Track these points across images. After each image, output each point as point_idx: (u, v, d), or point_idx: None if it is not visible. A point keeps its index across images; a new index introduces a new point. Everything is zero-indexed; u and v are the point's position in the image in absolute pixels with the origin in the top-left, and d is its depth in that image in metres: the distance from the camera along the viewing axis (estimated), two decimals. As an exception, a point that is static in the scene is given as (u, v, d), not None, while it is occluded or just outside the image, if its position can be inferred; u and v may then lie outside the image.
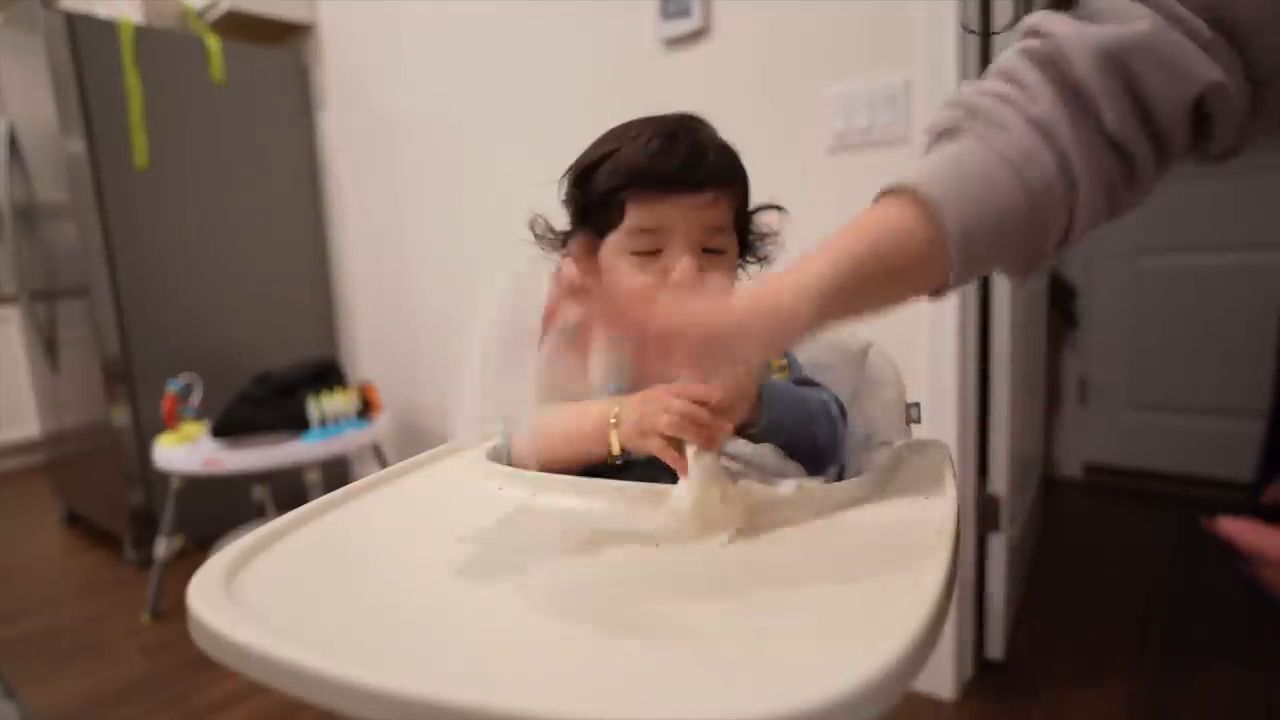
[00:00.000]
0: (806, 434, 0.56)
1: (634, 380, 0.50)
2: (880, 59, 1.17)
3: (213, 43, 2.07)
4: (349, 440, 1.70)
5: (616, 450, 0.52)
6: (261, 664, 0.31)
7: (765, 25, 1.28)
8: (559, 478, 0.51)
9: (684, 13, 1.36)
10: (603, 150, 0.59)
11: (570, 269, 0.47)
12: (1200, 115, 0.40)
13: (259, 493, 2.01)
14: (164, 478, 1.69)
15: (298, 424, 1.68)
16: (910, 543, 0.39)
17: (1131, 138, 0.40)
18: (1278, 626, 1.39)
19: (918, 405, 0.67)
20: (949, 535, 0.39)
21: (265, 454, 1.60)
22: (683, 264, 0.57)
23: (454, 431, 0.44)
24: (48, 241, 2.05)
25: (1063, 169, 0.41)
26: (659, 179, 0.56)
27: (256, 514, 2.00)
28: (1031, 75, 0.42)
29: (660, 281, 0.57)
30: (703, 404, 0.47)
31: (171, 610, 1.71)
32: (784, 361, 0.63)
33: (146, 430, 1.92)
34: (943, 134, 0.45)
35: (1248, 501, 1.94)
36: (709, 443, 0.47)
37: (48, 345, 2.21)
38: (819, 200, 1.26)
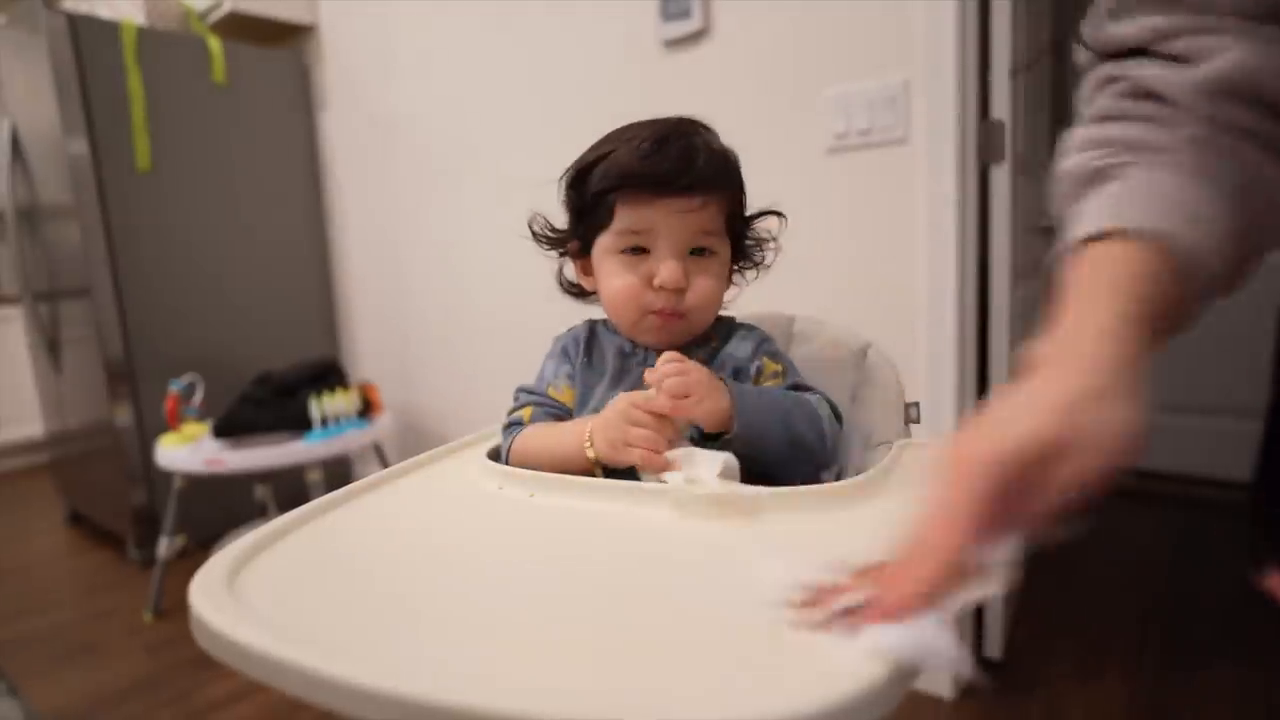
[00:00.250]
0: (784, 435, 0.55)
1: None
2: (880, 60, 1.17)
3: (214, 44, 2.07)
4: (350, 440, 1.71)
5: (593, 457, 0.54)
6: (262, 663, 0.31)
7: (765, 26, 1.28)
8: (559, 477, 0.52)
9: (684, 14, 1.36)
10: (598, 152, 0.60)
11: None
12: None
13: (261, 492, 2.01)
14: (166, 477, 1.69)
15: (299, 424, 1.68)
16: (906, 542, 0.39)
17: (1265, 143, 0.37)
18: (1278, 626, 1.39)
19: (917, 405, 0.67)
20: (945, 535, 0.39)
21: (267, 454, 1.61)
22: (666, 266, 0.57)
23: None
24: (50, 242, 2.05)
25: (1248, 172, 0.37)
26: (647, 181, 0.57)
27: (258, 514, 2.01)
28: (1150, 106, 0.38)
29: (644, 283, 0.59)
30: (653, 410, 0.52)
31: (173, 609, 1.72)
32: (779, 367, 0.63)
33: (149, 430, 1.93)
34: (1094, 175, 0.40)
35: (1246, 501, 1.94)
36: (670, 440, 0.51)
37: (50, 346, 2.21)
38: (818, 201, 1.27)
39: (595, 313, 0.67)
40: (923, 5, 1.11)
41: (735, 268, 0.66)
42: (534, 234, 0.67)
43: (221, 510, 1.95)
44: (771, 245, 0.67)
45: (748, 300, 0.71)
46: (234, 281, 2.16)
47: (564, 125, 1.64)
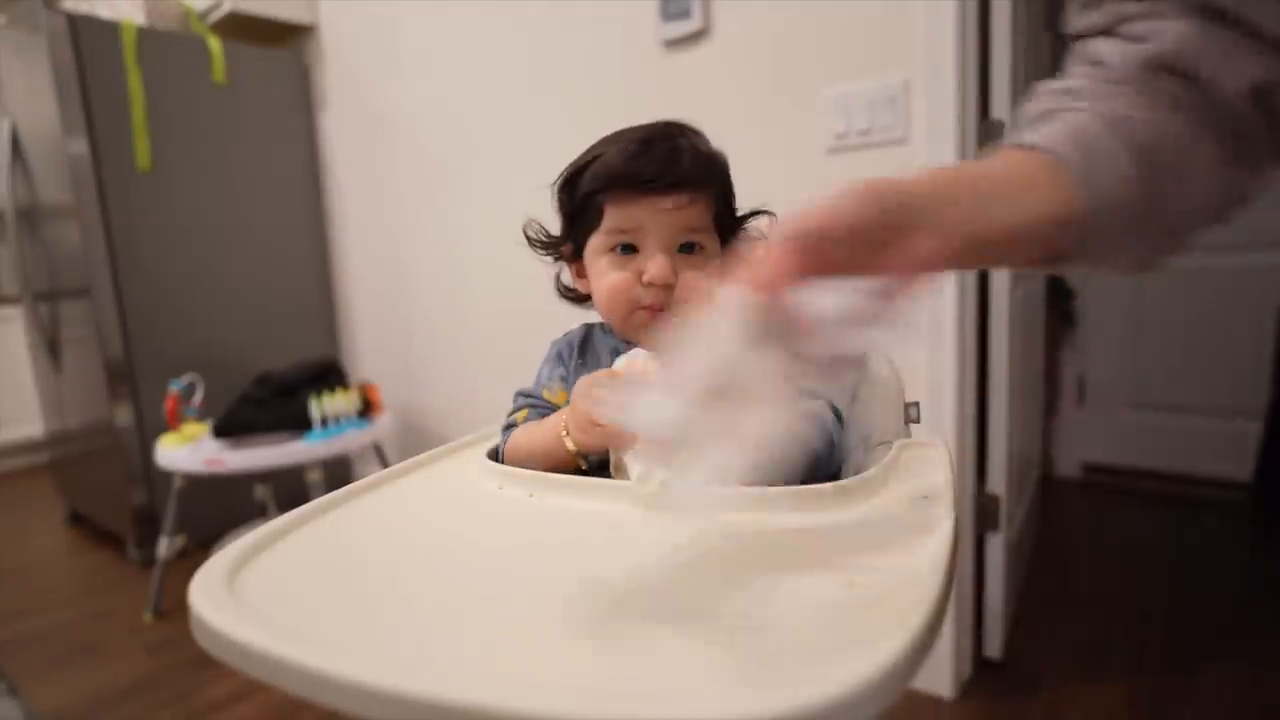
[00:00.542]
0: (801, 452, 0.55)
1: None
2: (880, 60, 1.17)
3: (214, 44, 2.07)
4: (350, 440, 1.71)
5: (573, 448, 0.54)
6: (263, 663, 0.31)
7: (765, 26, 1.29)
8: (558, 477, 0.52)
9: (684, 14, 1.36)
10: (588, 156, 0.62)
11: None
12: (1269, 108, 0.39)
13: (261, 492, 2.01)
14: (166, 477, 1.70)
15: (299, 424, 1.68)
16: (909, 542, 0.39)
17: (1221, 116, 0.39)
18: (1278, 626, 1.40)
19: (916, 405, 0.67)
20: (947, 535, 0.39)
21: (267, 454, 1.61)
22: (655, 261, 0.58)
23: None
24: (50, 242, 2.05)
25: (1174, 132, 0.39)
26: (634, 180, 0.58)
27: (258, 514, 2.01)
28: (1096, 70, 0.41)
29: (634, 279, 0.59)
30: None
31: (173, 609, 1.72)
32: None
33: (149, 430, 1.93)
34: (1039, 118, 0.42)
35: (1246, 501, 1.94)
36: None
37: (50, 346, 2.21)
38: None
39: (594, 317, 0.68)
40: (923, 5, 1.11)
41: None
42: (529, 239, 0.68)
43: (221, 510, 1.95)
44: (763, 244, 0.67)
45: (748, 300, 0.71)
46: (234, 281, 2.16)
47: (564, 124, 1.64)
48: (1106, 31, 0.42)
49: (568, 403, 0.64)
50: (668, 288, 0.59)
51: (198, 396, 1.78)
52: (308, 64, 2.28)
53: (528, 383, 0.68)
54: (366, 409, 1.80)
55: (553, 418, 0.58)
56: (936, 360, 1.18)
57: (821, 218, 0.35)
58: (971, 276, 1.20)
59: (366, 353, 2.36)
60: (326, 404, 1.69)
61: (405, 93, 2.00)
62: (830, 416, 0.59)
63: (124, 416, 1.95)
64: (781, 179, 1.29)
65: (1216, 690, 1.22)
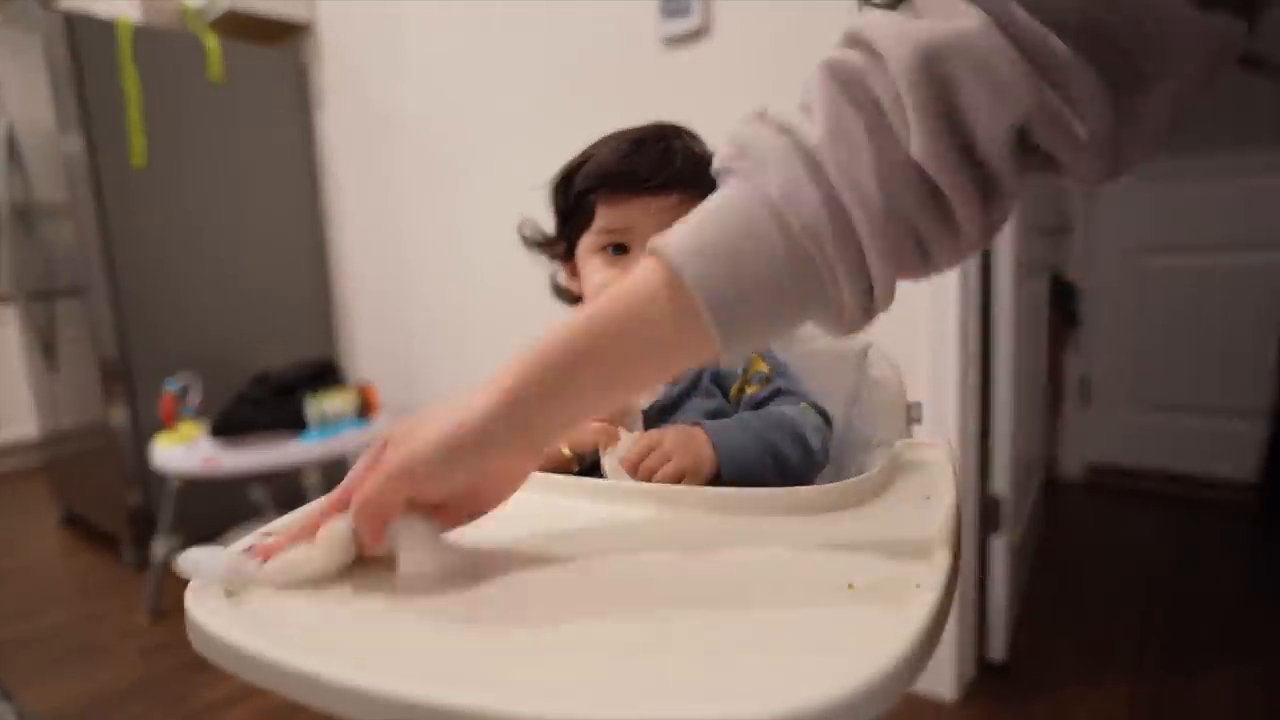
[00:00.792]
0: (772, 465, 0.55)
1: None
2: (881, 57, 1.16)
3: (211, 42, 2.07)
4: (348, 441, 1.70)
5: (568, 453, 0.55)
6: (260, 668, 0.31)
7: (765, 24, 1.28)
8: (559, 478, 0.51)
9: (684, 11, 1.35)
10: (582, 156, 0.63)
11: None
12: (1027, 147, 0.33)
13: (257, 493, 2.01)
14: (162, 478, 1.68)
15: (296, 424, 1.68)
16: (911, 544, 0.39)
17: (944, 166, 0.32)
18: (1278, 626, 1.39)
19: (919, 405, 0.66)
20: (950, 536, 0.38)
21: (264, 454, 1.60)
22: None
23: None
24: (45, 241, 2.04)
25: (831, 207, 0.33)
26: (625, 180, 0.59)
27: (255, 514, 2.00)
28: (822, 94, 0.35)
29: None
30: None
31: (169, 611, 1.71)
32: (765, 369, 0.63)
33: (145, 430, 1.92)
34: (719, 175, 0.39)
35: (1250, 502, 1.94)
36: (616, 416, 0.54)
37: (45, 345, 2.20)
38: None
39: None
40: (924, 2, 1.10)
41: None
42: (524, 239, 0.68)
43: (218, 511, 1.94)
44: None
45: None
46: (231, 281, 2.15)
47: (562, 121, 1.63)
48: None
49: None
50: None
51: (194, 396, 1.77)
52: (305, 62, 2.27)
53: None
54: (364, 409, 1.79)
55: None
56: (939, 360, 1.17)
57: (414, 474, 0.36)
58: (974, 276, 1.19)
59: (364, 353, 2.36)
60: (324, 404, 1.68)
61: (403, 91, 2.00)
62: (812, 421, 0.58)
63: (119, 416, 1.94)
64: (782, 177, 1.28)
65: (1220, 691, 1.22)
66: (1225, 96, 1.75)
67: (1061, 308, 2.15)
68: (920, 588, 0.33)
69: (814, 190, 0.34)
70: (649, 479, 0.51)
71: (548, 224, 0.68)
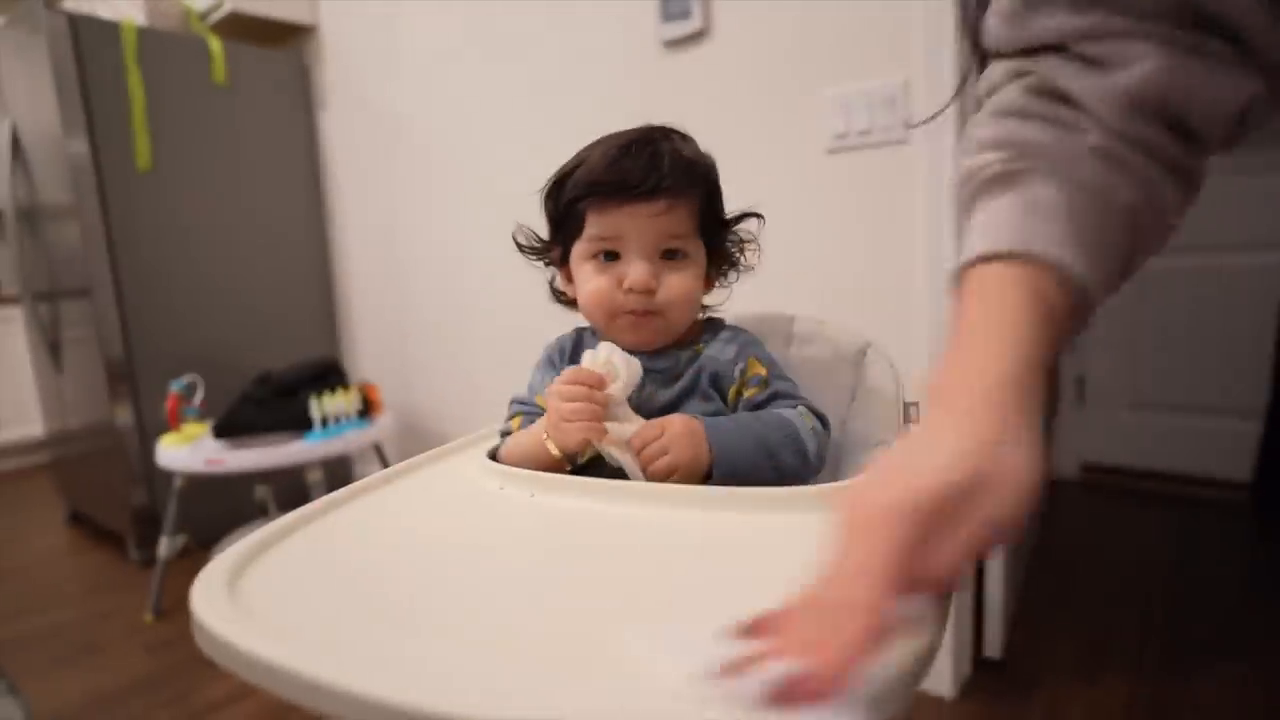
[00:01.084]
0: (767, 466, 0.56)
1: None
2: (879, 60, 1.17)
3: (215, 44, 2.07)
4: (351, 440, 1.71)
5: (556, 453, 0.56)
6: (267, 671, 0.31)
7: (765, 26, 1.29)
8: (559, 477, 0.52)
9: (684, 14, 1.36)
10: (572, 163, 0.63)
11: None
12: (1239, 121, 0.36)
13: (261, 492, 2.01)
14: (167, 477, 1.69)
15: (300, 424, 1.68)
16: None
17: (1182, 162, 0.37)
18: (1278, 626, 1.40)
19: (917, 405, 0.67)
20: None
21: (267, 454, 1.61)
22: (635, 268, 0.59)
23: None
24: (50, 242, 2.05)
25: (1146, 191, 0.37)
26: (613, 188, 0.58)
27: (259, 514, 2.01)
28: (1058, 109, 0.37)
29: (615, 285, 0.60)
30: (581, 382, 0.54)
31: (174, 609, 1.72)
32: (763, 371, 0.63)
33: (149, 430, 1.93)
34: (994, 180, 0.38)
35: (1246, 501, 1.94)
36: (599, 412, 0.53)
37: (51, 346, 2.21)
38: (818, 201, 1.27)
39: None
40: (922, 5, 1.11)
41: (719, 270, 0.67)
42: (519, 245, 0.68)
43: (222, 510, 1.95)
44: (752, 247, 0.67)
45: (748, 300, 0.71)
46: (234, 281, 2.16)
47: (563, 124, 1.64)
48: (1056, 48, 0.37)
49: None
50: (648, 293, 0.59)
51: (198, 396, 1.78)
52: (308, 64, 2.28)
53: (522, 389, 0.68)
54: (367, 409, 1.80)
55: (536, 424, 0.59)
56: (937, 360, 1.18)
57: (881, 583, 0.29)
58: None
59: (367, 353, 2.36)
60: (327, 404, 1.69)
61: (405, 93, 2.00)
62: (809, 424, 0.59)
63: (124, 416, 1.95)
64: (781, 179, 1.29)
65: (1216, 690, 1.22)
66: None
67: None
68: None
69: (1127, 178, 0.36)
70: (646, 468, 0.52)
71: (542, 229, 0.68)
